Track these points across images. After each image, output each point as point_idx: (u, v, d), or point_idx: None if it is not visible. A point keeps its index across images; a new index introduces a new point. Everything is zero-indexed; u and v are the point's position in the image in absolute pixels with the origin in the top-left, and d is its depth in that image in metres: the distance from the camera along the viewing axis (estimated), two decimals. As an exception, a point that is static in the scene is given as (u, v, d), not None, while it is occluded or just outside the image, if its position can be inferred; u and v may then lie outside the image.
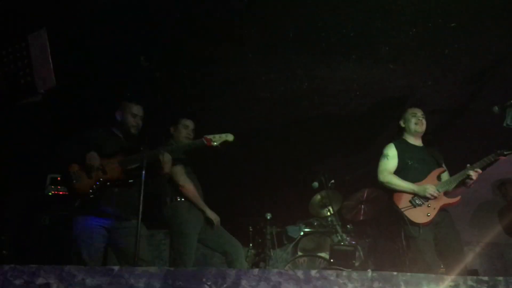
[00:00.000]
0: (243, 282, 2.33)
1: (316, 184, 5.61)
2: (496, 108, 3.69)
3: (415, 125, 4.24)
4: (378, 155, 4.47)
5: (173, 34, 3.90)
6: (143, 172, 3.44)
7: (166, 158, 3.74)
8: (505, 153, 4.01)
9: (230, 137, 3.99)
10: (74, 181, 3.63)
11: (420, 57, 4.20)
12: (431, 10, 3.66)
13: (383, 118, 5.16)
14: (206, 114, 4.96)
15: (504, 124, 3.72)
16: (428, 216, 3.92)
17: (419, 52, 4.14)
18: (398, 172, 4.18)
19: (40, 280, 2.32)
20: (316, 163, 5.96)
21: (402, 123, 4.34)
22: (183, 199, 4.12)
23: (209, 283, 2.34)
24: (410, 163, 4.16)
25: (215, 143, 3.94)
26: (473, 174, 3.94)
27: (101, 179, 3.65)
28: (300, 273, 2.39)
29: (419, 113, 4.27)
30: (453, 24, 3.79)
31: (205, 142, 3.89)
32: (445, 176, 4.23)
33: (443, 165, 4.30)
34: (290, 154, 5.94)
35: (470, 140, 5.51)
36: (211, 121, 4.69)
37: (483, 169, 4.04)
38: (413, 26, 3.82)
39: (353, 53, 4.16)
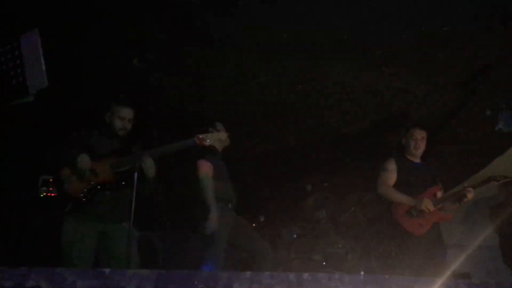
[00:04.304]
0: (235, 285, 2.32)
1: (309, 186, 5.61)
2: (488, 112, 3.73)
3: (413, 149, 4.46)
4: (371, 157, 4.52)
5: (167, 35, 3.88)
6: (135, 174, 3.42)
7: (148, 163, 3.66)
8: (497, 179, 4.25)
9: (222, 136, 4.01)
10: (65, 185, 3.61)
11: (413, 60, 4.21)
12: (424, 14, 3.67)
13: (376, 121, 5.17)
14: (200, 115, 4.95)
15: (496, 128, 3.77)
16: (422, 227, 4.16)
17: (412, 55, 4.15)
18: (397, 186, 4.40)
19: (31, 283, 2.29)
20: (310, 165, 5.96)
21: (403, 141, 4.56)
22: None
23: (201, 286, 2.32)
24: (408, 179, 4.38)
25: (208, 142, 3.92)
26: (470, 195, 4.21)
27: (93, 182, 3.63)
28: (292, 276, 2.38)
29: (419, 136, 4.47)
30: (445, 28, 3.80)
31: (197, 141, 3.82)
32: (440, 193, 4.42)
33: (439, 183, 4.50)
34: (284, 156, 5.94)
35: (462, 143, 5.54)
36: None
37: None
38: (406, 29, 3.83)
39: (346, 55, 4.17)
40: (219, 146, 4.36)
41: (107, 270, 2.35)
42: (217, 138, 3.93)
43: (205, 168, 4.13)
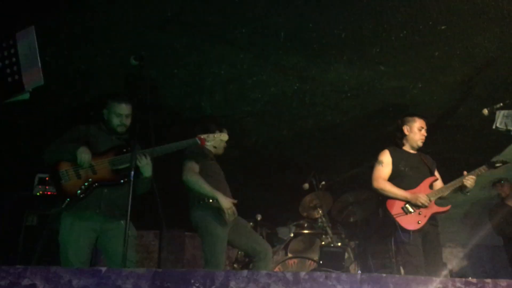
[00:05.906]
0: (232, 284, 2.32)
1: (306, 185, 5.61)
2: (485, 111, 3.74)
3: (419, 140, 4.39)
4: (369, 156, 4.50)
5: (164, 34, 3.87)
6: (132, 173, 3.39)
7: (143, 162, 3.63)
8: (496, 165, 4.21)
9: (224, 137, 3.96)
10: (62, 181, 3.56)
11: (410, 59, 4.21)
12: (421, 13, 3.67)
13: (373, 119, 5.17)
14: (197, 114, 4.94)
15: (493, 127, 3.77)
16: (419, 223, 4.07)
17: (410, 54, 4.15)
18: (392, 179, 4.31)
19: (26, 281, 2.29)
20: (307, 164, 5.96)
21: (406, 131, 4.43)
22: (210, 201, 3.97)
23: (197, 285, 2.32)
24: (403, 170, 4.29)
25: (209, 143, 3.88)
26: (469, 183, 4.15)
27: (90, 180, 3.60)
28: (289, 275, 2.37)
29: (425, 127, 4.40)
30: (443, 27, 3.80)
31: (199, 141, 3.80)
32: (437, 184, 4.37)
33: (436, 173, 4.43)
34: (281, 155, 5.94)
35: (460, 142, 5.54)
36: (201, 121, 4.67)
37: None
38: (403, 28, 3.82)
39: (344, 54, 4.16)
40: (212, 149, 4.30)
41: (103, 269, 2.35)
42: (218, 139, 3.89)
43: (192, 169, 4.06)
